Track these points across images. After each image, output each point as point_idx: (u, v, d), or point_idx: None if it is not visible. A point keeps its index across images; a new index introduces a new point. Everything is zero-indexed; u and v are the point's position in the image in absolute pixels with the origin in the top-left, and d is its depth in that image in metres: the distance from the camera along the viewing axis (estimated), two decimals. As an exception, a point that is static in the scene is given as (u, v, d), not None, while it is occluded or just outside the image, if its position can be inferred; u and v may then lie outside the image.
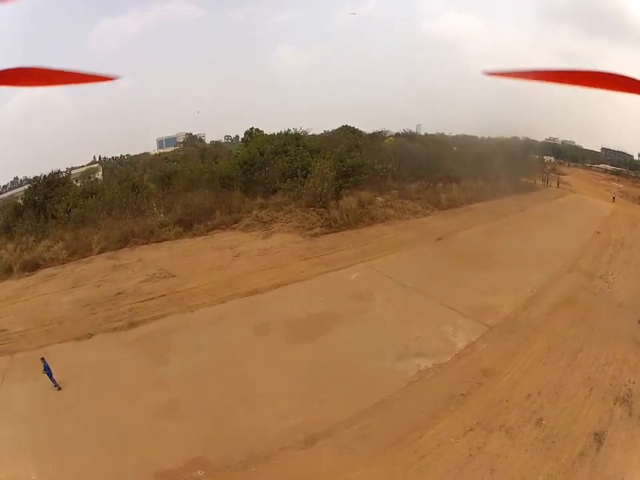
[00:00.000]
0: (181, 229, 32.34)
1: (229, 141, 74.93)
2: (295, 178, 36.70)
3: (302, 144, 44.15)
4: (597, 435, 13.76)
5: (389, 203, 39.68)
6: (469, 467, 12.66)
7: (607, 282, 27.32)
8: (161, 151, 69.77)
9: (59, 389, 16.00)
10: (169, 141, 73.42)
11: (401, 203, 40.04)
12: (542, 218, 42.43)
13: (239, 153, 46.05)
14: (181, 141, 74.41)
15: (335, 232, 32.74)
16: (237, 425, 14.32)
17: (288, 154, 40.46)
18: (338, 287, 23.85)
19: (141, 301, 22.25)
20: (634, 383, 16.63)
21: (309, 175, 36.15)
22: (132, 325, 20.11)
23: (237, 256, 27.96)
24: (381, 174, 43.19)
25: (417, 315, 21.10)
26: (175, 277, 24.93)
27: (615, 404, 15.32)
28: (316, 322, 20.23)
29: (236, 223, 33.82)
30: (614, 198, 58.48)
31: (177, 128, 74.11)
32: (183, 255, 28.40)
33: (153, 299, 22.46)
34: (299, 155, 39.62)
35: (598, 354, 18.44)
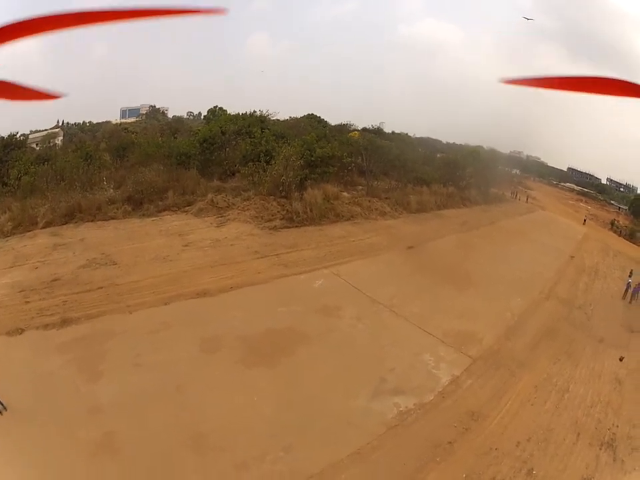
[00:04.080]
0: (129, 208, 30.23)
1: (191, 117, 75.33)
2: (258, 162, 35.09)
3: (267, 127, 42.93)
4: None
5: (356, 199, 38.45)
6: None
7: (586, 313, 27.29)
8: (123, 121, 69.34)
9: (2, 411, 12.92)
10: (133, 111, 73.97)
11: (369, 201, 38.89)
12: (514, 234, 42.49)
13: (199, 130, 44.36)
14: (144, 112, 74.77)
15: (296, 227, 31.11)
16: (187, 476, 11.63)
17: (252, 136, 38.96)
18: (300, 296, 21.73)
19: (77, 293, 19.77)
20: (617, 426, 16.44)
21: (273, 161, 34.57)
22: (64, 322, 17.50)
23: (187, 245, 25.80)
24: (349, 168, 42.25)
25: (391, 339, 19.25)
26: (116, 264, 22.68)
27: (600, 449, 14.99)
28: (276, 340, 17.80)
29: (189, 205, 31.82)
30: (585, 220, 59.81)
31: (143, 99, 75.14)
32: (128, 238, 26.11)
33: (89, 290, 20.02)
34: (264, 139, 38.06)
35: (584, 394, 18.05)
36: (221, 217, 30.82)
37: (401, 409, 14.93)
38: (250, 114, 46.64)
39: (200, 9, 2.44)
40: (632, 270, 37.07)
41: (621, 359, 21.88)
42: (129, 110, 73.70)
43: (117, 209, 29.85)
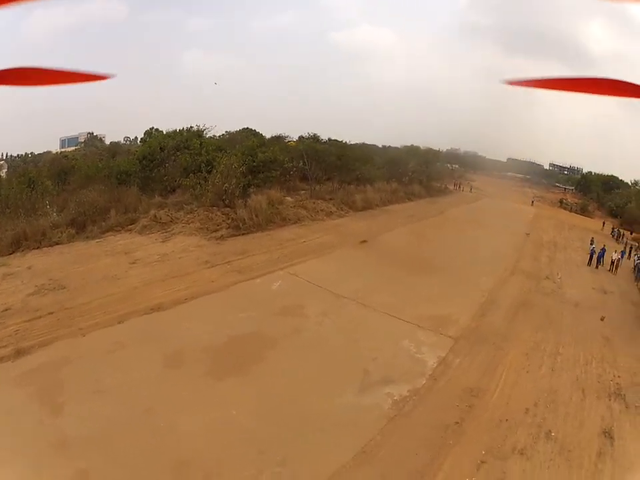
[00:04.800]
0: (73, 231, 28.56)
1: (128, 142, 74.91)
2: (199, 173, 33.67)
3: (205, 141, 41.71)
4: (605, 432, 13.41)
5: (301, 202, 37.91)
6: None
7: (555, 282, 28.27)
8: (63, 150, 68.45)
9: None
10: (72, 140, 73.85)
11: (314, 203, 38.45)
12: (464, 220, 43.48)
13: (137, 151, 43.09)
14: (83, 140, 74.41)
15: (243, 234, 29.84)
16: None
17: (191, 148, 37.66)
18: (259, 300, 20.18)
19: (28, 321, 17.81)
20: (619, 376, 16.86)
21: (214, 170, 33.23)
22: (18, 353, 15.41)
23: (134, 262, 24.05)
24: (291, 172, 41.71)
25: (365, 330, 18.02)
26: (64, 288, 20.89)
27: (610, 400, 15.26)
28: (241, 347, 16.05)
29: (132, 224, 30.19)
30: (533, 202, 63.46)
31: (80, 128, 75.54)
32: (74, 262, 24.28)
33: (40, 317, 18.06)
34: (204, 149, 36.80)
35: (576, 354, 18.27)
36: (166, 232, 29.32)
37: (395, 398, 13.58)
38: (187, 129, 45.47)
39: (89, 75, 2.42)
40: (593, 238, 38.85)
41: (602, 319, 22.38)
42: (68, 139, 73.84)
43: (61, 233, 28.20)
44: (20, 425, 11.69)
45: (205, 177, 32.90)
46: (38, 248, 26.67)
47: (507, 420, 13.05)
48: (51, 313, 18.32)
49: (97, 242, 27.60)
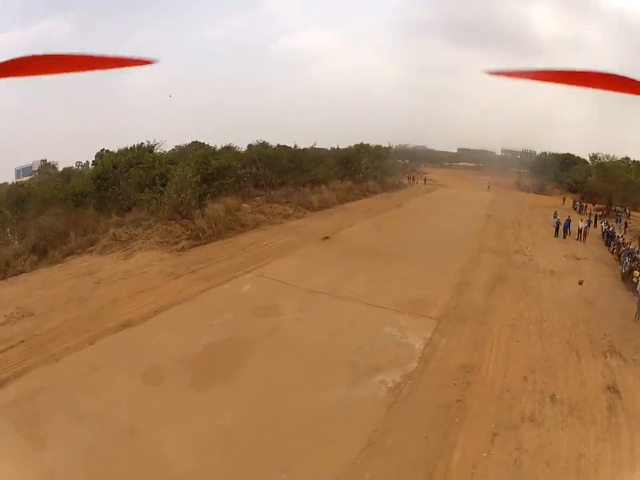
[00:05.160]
0: (36, 258, 27.92)
1: (80, 167, 72.80)
2: (154, 187, 32.96)
3: (157, 155, 41.35)
4: (610, 387, 13.42)
5: (258, 208, 37.69)
6: (523, 471, 10.13)
7: (526, 255, 28.55)
8: (18, 180, 67.11)
9: None
10: (26, 170, 72.10)
11: (270, 207, 38.36)
12: (423, 210, 44.21)
13: (90, 173, 42.32)
14: (37, 169, 72.71)
15: (204, 243, 29.48)
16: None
17: (143, 162, 36.97)
18: (231, 304, 19.50)
19: (1, 352, 16.73)
20: (609, 335, 16.84)
21: (169, 183, 32.61)
22: None
23: (98, 282, 23.22)
24: (245, 179, 41.43)
25: (343, 321, 17.47)
26: (32, 314, 19.96)
27: (606, 357, 15.27)
28: (220, 354, 15.27)
29: (92, 245, 29.51)
30: (488, 187, 64.39)
31: (34, 156, 72.93)
32: (39, 288, 23.45)
33: (12, 347, 17.03)
34: (157, 162, 36.30)
35: (561, 319, 18.30)
36: (126, 249, 28.64)
37: (389, 385, 13.05)
38: (138, 145, 44.51)
39: (133, 59, 2.26)
40: (556, 211, 39.56)
41: (580, 283, 22.68)
42: (23, 169, 71.98)
43: (24, 261, 27.59)
44: (4, 463, 10.70)
45: (160, 191, 32.23)
46: (4, 278, 26.04)
47: (507, 390, 12.82)
48: (22, 342, 17.40)
49: (60, 266, 26.98)
